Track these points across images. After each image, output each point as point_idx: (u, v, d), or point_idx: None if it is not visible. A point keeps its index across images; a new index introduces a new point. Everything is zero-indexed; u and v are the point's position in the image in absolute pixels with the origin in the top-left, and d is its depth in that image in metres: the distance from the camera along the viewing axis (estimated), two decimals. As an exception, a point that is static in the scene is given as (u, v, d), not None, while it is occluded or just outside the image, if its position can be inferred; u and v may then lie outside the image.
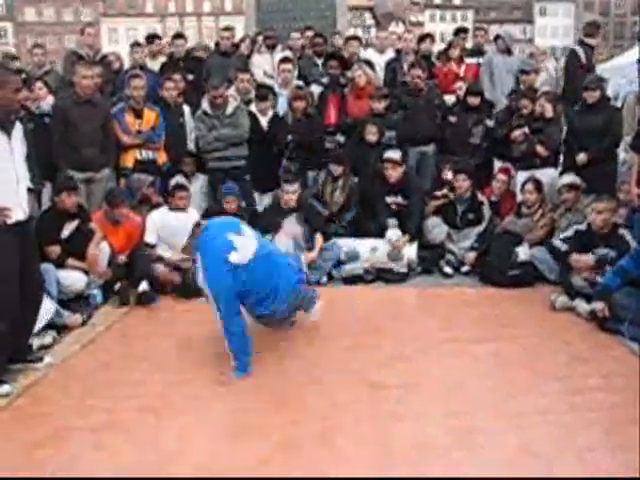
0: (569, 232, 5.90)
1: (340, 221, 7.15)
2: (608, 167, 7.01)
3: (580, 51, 8.40)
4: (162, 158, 7.17)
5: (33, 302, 4.48)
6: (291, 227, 5.88)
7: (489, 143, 7.66)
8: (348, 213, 7.19)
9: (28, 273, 4.34)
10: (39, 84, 7.10)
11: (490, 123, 7.65)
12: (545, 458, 3.31)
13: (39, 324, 4.84)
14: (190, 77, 8.35)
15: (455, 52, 8.57)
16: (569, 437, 3.52)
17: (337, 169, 7.20)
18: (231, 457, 3.37)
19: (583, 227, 5.80)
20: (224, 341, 4.36)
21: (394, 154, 7.00)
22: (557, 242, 5.87)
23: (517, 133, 7.21)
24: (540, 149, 7.12)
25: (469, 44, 9.34)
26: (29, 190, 4.47)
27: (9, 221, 4.14)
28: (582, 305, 5.40)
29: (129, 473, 3.22)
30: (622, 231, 5.63)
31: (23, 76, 6.70)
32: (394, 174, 6.91)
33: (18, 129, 4.33)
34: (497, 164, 7.58)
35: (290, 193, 6.50)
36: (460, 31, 9.29)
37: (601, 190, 6.26)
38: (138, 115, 7.00)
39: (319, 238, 6.49)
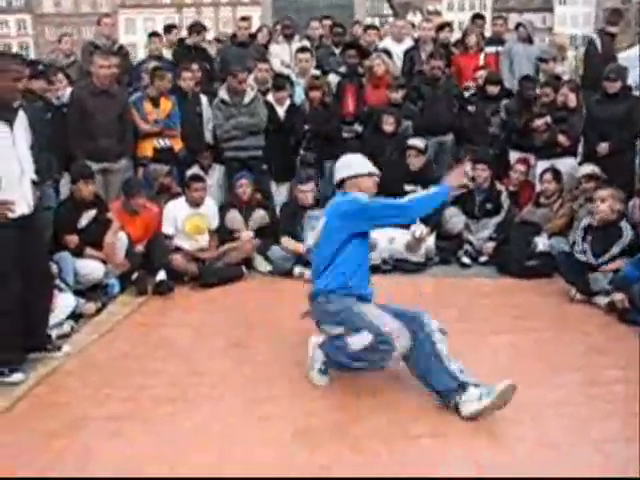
0: (579, 233, 5.74)
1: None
2: (626, 157, 6.95)
3: (597, 40, 8.30)
4: (178, 145, 7.17)
5: (44, 293, 4.47)
6: None
7: (506, 133, 7.61)
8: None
9: (36, 265, 4.32)
10: (60, 75, 7.10)
11: (503, 115, 7.58)
12: (561, 449, 3.29)
13: (59, 316, 4.88)
14: (206, 65, 8.36)
15: (472, 40, 8.49)
16: (586, 429, 3.49)
17: None
18: (247, 447, 3.37)
19: (587, 221, 5.73)
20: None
21: (418, 142, 6.98)
22: (580, 256, 5.61)
23: (539, 122, 7.15)
24: (562, 139, 7.06)
25: (488, 32, 9.28)
26: (33, 183, 4.34)
27: (13, 215, 4.05)
28: (601, 298, 5.35)
29: (145, 463, 3.23)
30: (623, 224, 5.54)
31: (40, 67, 6.72)
32: (417, 162, 6.90)
33: (22, 118, 4.23)
34: (513, 155, 7.51)
35: (306, 192, 6.50)
36: (476, 17, 9.22)
37: (619, 180, 6.19)
38: (155, 104, 7.02)
39: None
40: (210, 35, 10.13)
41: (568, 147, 7.16)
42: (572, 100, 7.08)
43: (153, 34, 8.92)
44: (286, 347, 4.63)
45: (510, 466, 3.17)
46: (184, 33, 9.32)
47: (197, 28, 8.83)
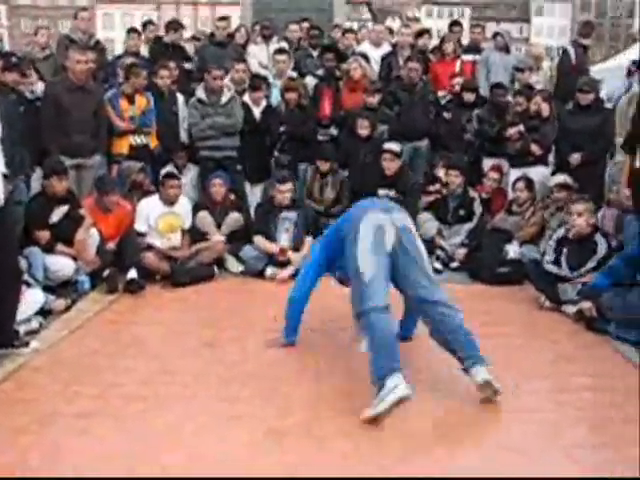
0: (551, 244, 5.79)
1: (331, 216, 7.15)
2: (598, 169, 7.04)
3: (572, 51, 8.42)
4: (154, 142, 7.13)
5: (13, 288, 4.40)
6: None
7: (479, 141, 7.67)
8: (338, 206, 7.19)
9: (5, 260, 4.27)
10: (29, 71, 7.01)
11: (475, 124, 7.64)
12: (530, 455, 3.32)
13: (27, 313, 4.81)
14: (188, 65, 8.33)
15: (449, 47, 8.54)
16: (555, 435, 3.52)
17: (323, 165, 7.19)
18: (218, 446, 3.36)
19: (562, 233, 5.79)
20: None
21: (394, 146, 7.01)
22: (550, 267, 5.68)
23: (512, 131, 7.22)
24: (534, 148, 7.13)
25: (465, 40, 9.34)
26: (4, 177, 4.28)
27: None
28: (569, 306, 5.41)
29: (115, 460, 3.20)
30: (598, 238, 5.60)
31: (14, 60, 6.64)
32: (392, 166, 6.93)
33: None
34: (486, 162, 7.58)
35: (284, 192, 6.48)
36: (454, 25, 9.30)
37: (590, 191, 6.29)
38: (131, 101, 6.96)
39: (309, 241, 6.45)
40: (187, 33, 10.05)
41: (540, 156, 7.24)
42: (545, 109, 7.16)
43: (131, 30, 8.85)
44: (258, 347, 4.63)
45: (478, 471, 3.19)
46: (163, 31, 9.27)
47: (174, 26, 8.79)
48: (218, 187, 6.68)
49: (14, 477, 3.10)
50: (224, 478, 3.06)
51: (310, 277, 4.50)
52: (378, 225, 3.95)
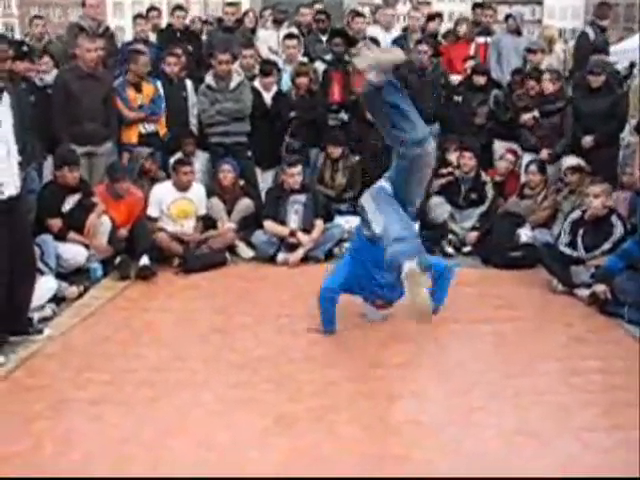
0: (567, 226, 5.76)
1: (343, 201, 7.14)
2: (611, 151, 6.98)
3: (591, 33, 8.31)
4: (163, 129, 7.11)
5: (28, 276, 4.43)
6: None
7: (492, 124, 7.60)
8: (349, 192, 7.16)
9: (21, 248, 4.29)
10: (45, 58, 7.03)
11: (491, 104, 7.57)
12: (542, 437, 3.32)
13: (41, 300, 4.85)
14: (190, 48, 8.30)
15: (462, 29, 8.47)
16: (567, 417, 3.52)
17: (334, 151, 7.15)
18: (229, 431, 3.38)
19: (577, 214, 5.76)
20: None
21: None
22: (565, 249, 5.65)
23: (526, 117, 7.14)
24: (533, 139, 7.07)
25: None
26: (19, 164, 4.32)
27: (2, 197, 4.03)
28: (582, 290, 5.38)
29: (127, 446, 3.23)
30: (614, 220, 5.57)
31: (25, 48, 6.64)
32: None
33: (6, 99, 4.20)
34: (498, 145, 7.52)
35: (294, 175, 6.46)
36: (476, 7, 9.24)
37: (603, 174, 6.23)
38: (138, 89, 6.94)
39: (320, 224, 6.47)
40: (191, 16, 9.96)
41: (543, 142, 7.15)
42: (548, 88, 7.07)
43: (138, 16, 8.83)
44: (269, 333, 4.64)
45: (489, 454, 3.19)
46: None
47: (178, 11, 8.81)
48: (226, 173, 6.68)
49: (15, 477, 3.09)
50: (222, 478, 3.06)
51: None
52: None
